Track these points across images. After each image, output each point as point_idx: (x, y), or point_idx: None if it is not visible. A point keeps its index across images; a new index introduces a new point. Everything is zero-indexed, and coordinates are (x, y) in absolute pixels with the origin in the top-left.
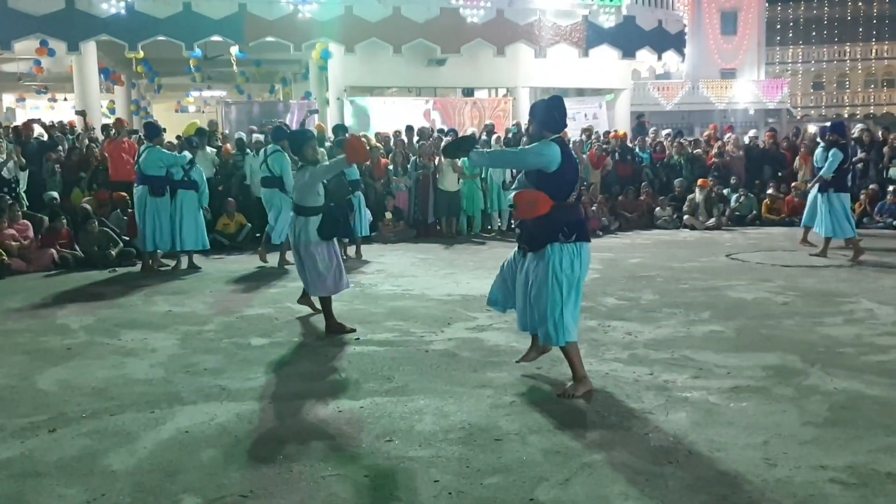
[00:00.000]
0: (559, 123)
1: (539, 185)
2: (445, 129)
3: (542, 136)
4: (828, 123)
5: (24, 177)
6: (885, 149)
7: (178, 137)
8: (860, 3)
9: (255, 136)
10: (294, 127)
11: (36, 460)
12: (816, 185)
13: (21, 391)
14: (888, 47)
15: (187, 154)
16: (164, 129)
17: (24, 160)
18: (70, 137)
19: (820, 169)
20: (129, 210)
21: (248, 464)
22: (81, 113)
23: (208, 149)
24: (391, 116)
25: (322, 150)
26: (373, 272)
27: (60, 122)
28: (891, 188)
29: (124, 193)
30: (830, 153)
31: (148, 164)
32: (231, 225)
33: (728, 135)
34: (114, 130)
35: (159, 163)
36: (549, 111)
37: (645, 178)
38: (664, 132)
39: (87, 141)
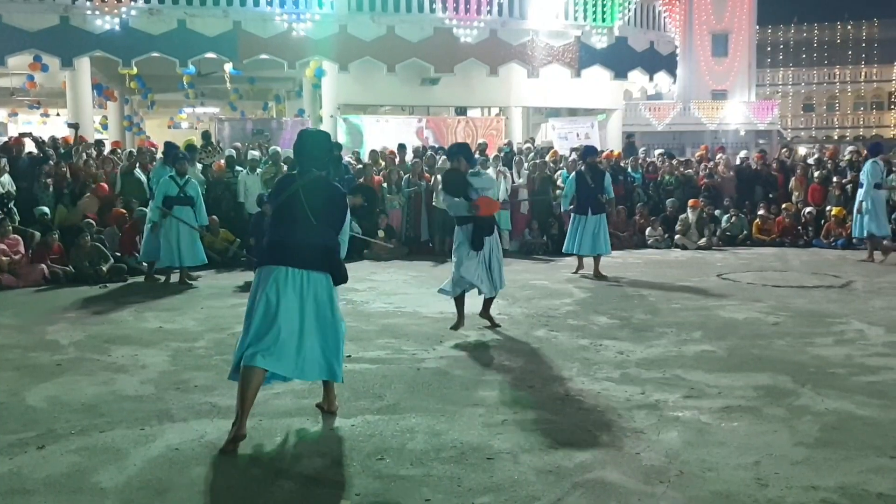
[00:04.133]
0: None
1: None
2: (436, 146)
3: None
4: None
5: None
6: None
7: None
8: (850, 27)
9: (251, 153)
10: (289, 145)
11: (24, 477)
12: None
13: (10, 407)
14: (877, 70)
15: (167, 169)
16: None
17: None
18: (62, 152)
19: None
20: (126, 226)
21: (238, 482)
22: (74, 126)
23: (199, 165)
24: (384, 135)
25: None
26: (365, 290)
27: (52, 137)
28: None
29: (123, 210)
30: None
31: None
32: (217, 241)
33: (719, 155)
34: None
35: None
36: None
37: (637, 199)
38: (656, 152)
39: (84, 155)
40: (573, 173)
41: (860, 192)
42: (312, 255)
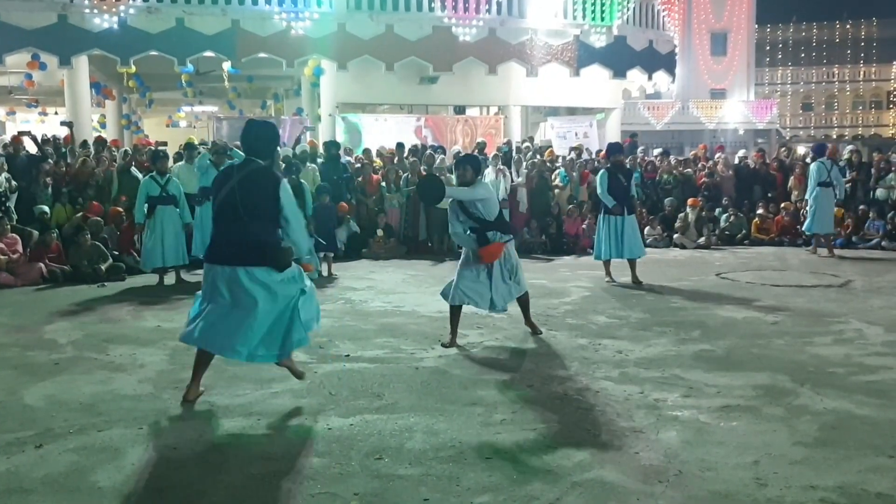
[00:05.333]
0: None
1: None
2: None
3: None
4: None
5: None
6: (872, 170)
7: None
8: (848, 26)
9: None
10: (288, 143)
11: (22, 476)
12: None
13: (8, 406)
14: (876, 69)
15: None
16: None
17: (8, 176)
18: (64, 151)
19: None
20: (123, 224)
21: (236, 481)
22: (68, 124)
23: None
24: (383, 133)
25: (313, 166)
26: (363, 289)
27: (54, 137)
28: (870, 213)
29: (120, 209)
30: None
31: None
32: None
33: (718, 155)
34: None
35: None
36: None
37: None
38: (655, 152)
39: (85, 157)
40: (601, 173)
41: (808, 192)
42: (245, 251)
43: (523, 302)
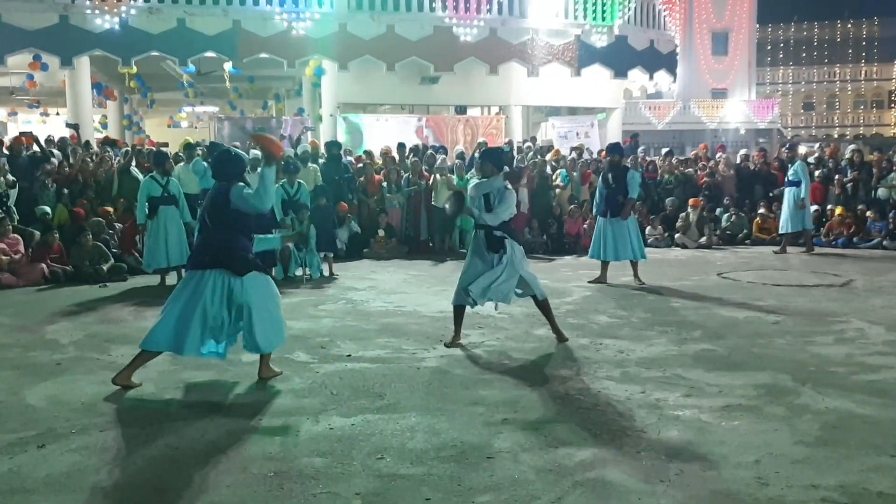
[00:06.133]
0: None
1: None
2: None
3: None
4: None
5: (13, 193)
6: (874, 169)
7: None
8: (850, 25)
9: (252, 151)
10: (288, 143)
11: (24, 476)
12: None
13: (10, 406)
14: (878, 69)
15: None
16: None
17: (12, 178)
18: (67, 152)
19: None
20: (126, 225)
21: (238, 481)
22: (74, 126)
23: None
24: (384, 133)
25: (314, 166)
26: (365, 289)
27: (62, 139)
28: (869, 213)
29: (110, 208)
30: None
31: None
32: None
33: (719, 154)
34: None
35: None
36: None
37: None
38: (663, 151)
39: (87, 159)
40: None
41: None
42: (210, 255)
43: (543, 307)
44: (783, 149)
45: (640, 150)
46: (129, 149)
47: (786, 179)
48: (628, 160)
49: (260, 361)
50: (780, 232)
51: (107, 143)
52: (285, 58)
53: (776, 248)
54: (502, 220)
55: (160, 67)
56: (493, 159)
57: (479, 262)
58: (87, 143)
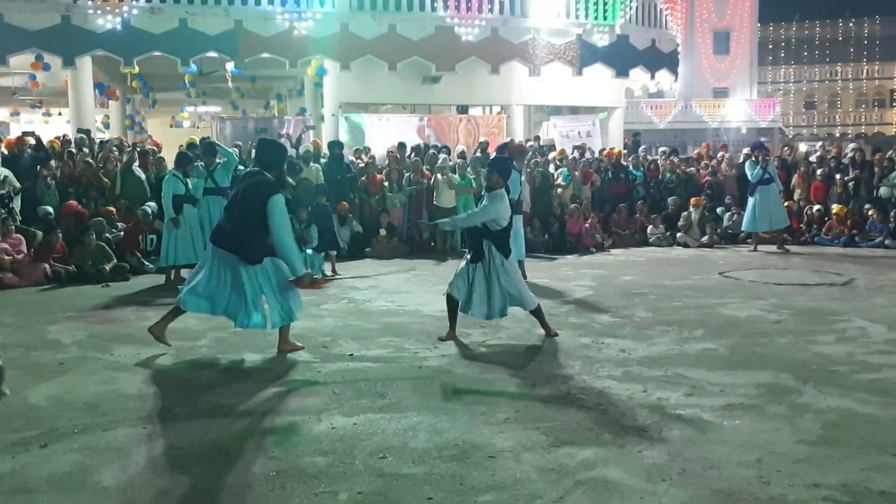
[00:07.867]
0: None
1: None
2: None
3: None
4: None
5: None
6: (876, 168)
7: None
8: (851, 24)
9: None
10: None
11: (27, 476)
12: None
13: (13, 406)
14: (879, 67)
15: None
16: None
17: (18, 185)
18: (71, 151)
19: None
20: (129, 225)
21: (240, 480)
22: (85, 132)
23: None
24: (386, 133)
25: (316, 166)
26: (366, 288)
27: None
28: (870, 212)
29: (112, 208)
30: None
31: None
32: None
33: (721, 153)
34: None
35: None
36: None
37: (637, 197)
38: (661, 150)
39: (89, 160)
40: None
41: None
42: (228, 239)
43: (536, 314)
44: (785, 148)
45: (641, 149)
46: (128, 147)
47: (755, 178)
48: (630, 159)
49: (279, 335)
50: (761, 230)
51: (117, 144)
52: (287, 58)
53: (751, 248)
54: (476, 224)
55: (162, 67)
56: (500, 170)
57: (467, 264)
58: (102, 142)
